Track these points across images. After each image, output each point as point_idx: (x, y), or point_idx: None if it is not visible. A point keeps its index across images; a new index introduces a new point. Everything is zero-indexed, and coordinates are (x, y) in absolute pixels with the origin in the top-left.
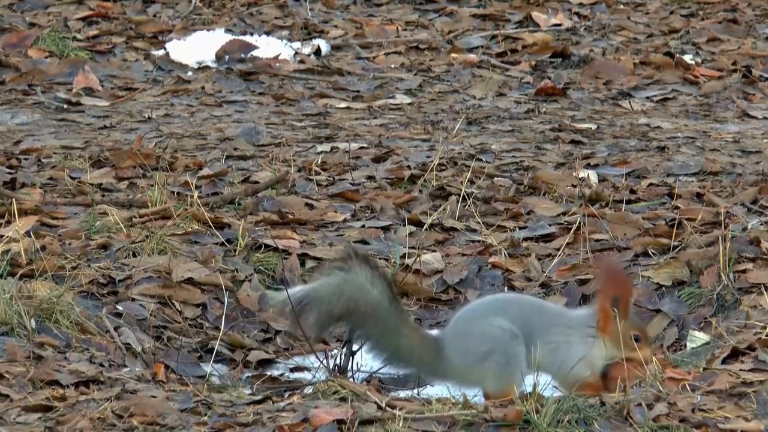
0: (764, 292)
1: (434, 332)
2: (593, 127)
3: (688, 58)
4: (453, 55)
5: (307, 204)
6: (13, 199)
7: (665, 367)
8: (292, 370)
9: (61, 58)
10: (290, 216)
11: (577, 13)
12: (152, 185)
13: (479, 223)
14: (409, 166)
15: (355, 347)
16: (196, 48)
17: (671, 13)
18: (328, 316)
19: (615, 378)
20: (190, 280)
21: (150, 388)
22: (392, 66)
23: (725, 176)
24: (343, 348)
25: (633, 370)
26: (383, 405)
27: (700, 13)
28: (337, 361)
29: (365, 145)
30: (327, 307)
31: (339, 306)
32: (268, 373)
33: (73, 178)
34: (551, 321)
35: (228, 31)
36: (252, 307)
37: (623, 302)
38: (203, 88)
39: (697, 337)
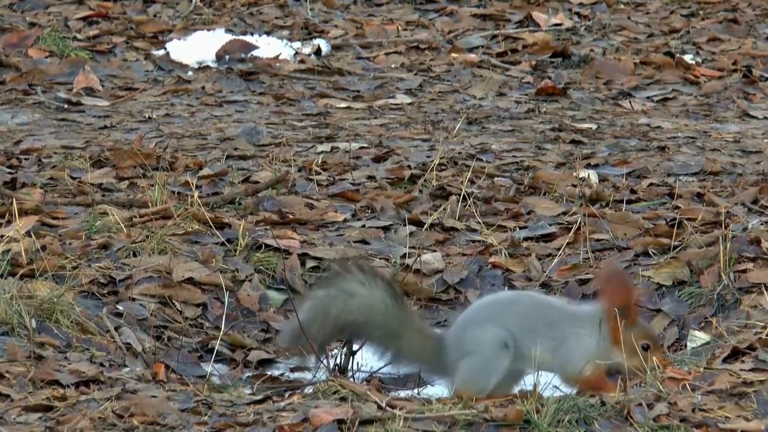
0: (764, 291)
1: (439, 332)
2: (593, 126)
3: (688, 57)
4: (453, 54)
5: (307, 204)
6: (14, 199)
7: (666, 366)
8: (292, 370)
9: (62, 57)
10: (290, 216)
11: (577, 13)
12: (153, 185)
13: (479, 222)
14: (409, 166)
15: (355, 347)
16: (197, 48)
17: (671, 12)
18: (323, 337)
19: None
20: (190, 280)
21: (150, 387)
22: (392, 66)
23: (726, 176)
24: (343, 348)
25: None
26: (383, 405)
27: (701, 12)
28: (337, 361)
29: (365, 145)
30: (317, 329)
31: (329, 325)
32: (269, 372)
33: (73, 178)
34: (556, 316)
35: (228, 31)
36: (252, 307)
37: (630, 310)
38: (203, 87)
39: (698, 337)
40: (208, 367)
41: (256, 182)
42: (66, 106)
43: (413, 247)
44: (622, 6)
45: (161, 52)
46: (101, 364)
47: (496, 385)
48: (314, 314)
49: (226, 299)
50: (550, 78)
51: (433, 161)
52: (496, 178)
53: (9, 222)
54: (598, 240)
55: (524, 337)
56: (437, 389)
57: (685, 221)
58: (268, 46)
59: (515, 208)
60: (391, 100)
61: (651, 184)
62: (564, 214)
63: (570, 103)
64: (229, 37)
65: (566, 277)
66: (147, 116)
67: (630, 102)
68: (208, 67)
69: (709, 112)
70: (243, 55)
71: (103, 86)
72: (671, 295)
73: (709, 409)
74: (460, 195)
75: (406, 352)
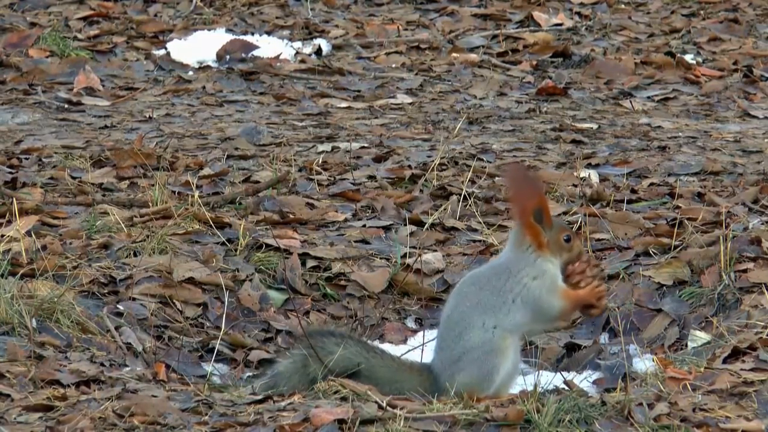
0: (765, 291)
1: (425, 361)
2: (594, 126)
3: (689, 57)
4: (454, 54)
5: (308, 204)
6: (14, 199)
7: (666, 366)
8: None
9: (62, 57)
10: (291, 216)
11: (578, 13)
12: (153, 185)
13: (480, 222)
14: (410, 166)
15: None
16: (197, 48)
17: (672, 12)
18: (300, 387)
19: (574, 278)
20: (190, 280)
21: (151, 387)
22: (393, 66)
23: (726, 176)
24: None
25: (581, 264)
26: (384, 404)
27: (701, 12)
28: None
29: (366, 145)
30: (297, 381)
31: (306, 377)
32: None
33: (73, 178)
34: (497, 280)
35: (229, 30)
36: (253, 307)
37: (544, 212)
38: (204, 87)
39: (698, 337)
40: (209, 367)
41: (257, 182)
42: (66, 105)
43: (414, 247)
44: (622, 6)
45: (162, 51)
46: (102, 364)
47: (503, 376)
48: (294, 368)
49: (227, 299)
50: (550, 78)
51: (433, 161)
52: (496, 178)
53: (9, 222)
54: (598, 240)
55: (496, 321)
56: None
57: (686, 221)
58: (268, 46)
59: None
60: (392, 100)
61: (651, 184)
62: (565, 213)
63: (571, 102)
64: (230, 36)
65: None
66: (147, 116)
67: (630, 102)
68: (208, 66)
69: (709, 112)
70: (243, 55)
71: (103, 86)
72: (672, 294)
73: (710, 409)
74: (460, 195)
75: (406, 390)
